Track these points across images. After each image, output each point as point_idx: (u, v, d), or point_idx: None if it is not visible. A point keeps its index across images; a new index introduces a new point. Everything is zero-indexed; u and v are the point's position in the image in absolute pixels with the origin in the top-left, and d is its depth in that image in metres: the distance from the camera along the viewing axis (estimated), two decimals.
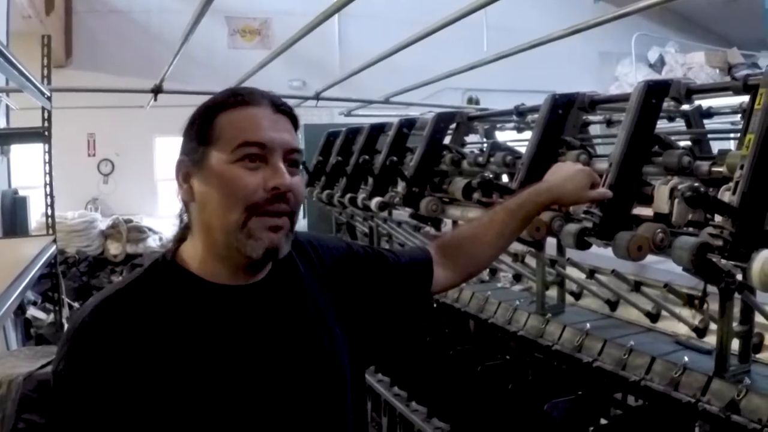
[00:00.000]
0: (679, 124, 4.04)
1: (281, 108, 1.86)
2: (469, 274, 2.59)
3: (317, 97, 10.20)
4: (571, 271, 3.80)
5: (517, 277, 4.48)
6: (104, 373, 1.63)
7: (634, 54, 16.07)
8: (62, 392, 1.66)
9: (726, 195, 2.42)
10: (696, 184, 2.50)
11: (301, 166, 1.91)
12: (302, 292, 1.98)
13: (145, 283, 1.80)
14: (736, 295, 2.66)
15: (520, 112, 4.25)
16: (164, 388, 1.66)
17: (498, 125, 5.48)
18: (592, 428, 2.99)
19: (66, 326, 1.73)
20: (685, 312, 3.23)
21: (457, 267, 2.46)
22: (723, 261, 2.36)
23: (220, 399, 1.71)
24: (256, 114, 1.80)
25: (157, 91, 9.01)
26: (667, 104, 3.33)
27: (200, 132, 1.80)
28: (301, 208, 1.92)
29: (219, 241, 1.78)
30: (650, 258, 3.03)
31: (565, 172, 2.56)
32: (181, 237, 1.91)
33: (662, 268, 3.46)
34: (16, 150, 9.35)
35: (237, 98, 1.83)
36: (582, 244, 2.92)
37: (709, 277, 2.51)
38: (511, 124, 5.03)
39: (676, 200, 2.61)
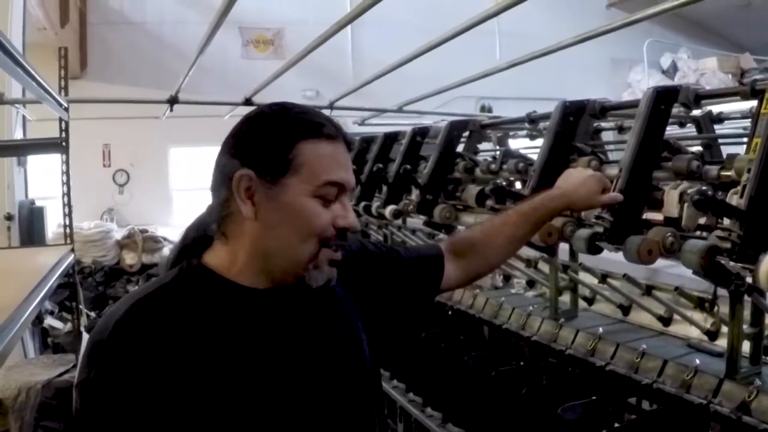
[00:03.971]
0: (690, 130, 4.07)
1: (348, 143, 1.89)
2: (477, 274, 2.62)
3: (331, 106, 10.23)
4: (584, 277, 3.82)
5: (531, 283, 4.50)
6: (138, 375, 1.62)
7: (647, 60, 16.04)
8: (94, 394, 1.65)
9: (734, 198, 2.45)
10: (704, 188, 2.53)
11: None
12: (329, 293, 1.99)
13: (177, 286, 1.80)
14: (747, 297, 2.69)
15: (532, 120, 4.28)
16: (199, 390, 1.66)
17: (511, 133, 5.51)
18: (605, 431, 3.01)
19: (91, 330, 1.70)
20: (697, 315, 3.25)
21: (467, 266, 2.49)
22: (731, 263, 2.39)
23: (256, 401, 1.73)
24: (338, 152, 1.82)
25: (172, 101, 9.06)
26: (678, 110, 3.36)
27: (278, 156, 1.78)
28: None
29: (276, 264, 1.81)
30: (662, 262, 3.06)
31: (576, 177, 2.60)
32: (201, 241, 1.90)
33: (674, 272, 3.49)
34: (32, 161, 9.41)
35: (321, 129, 1.82)
36: (593, 249, 2.95)
37: (718, 279, 2.54)
38: (524, 132, 5.07)
39: (686, 204, 2.64)
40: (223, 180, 1.81)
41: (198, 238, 1.92)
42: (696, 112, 3.76)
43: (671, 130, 3.76)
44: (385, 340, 4.91)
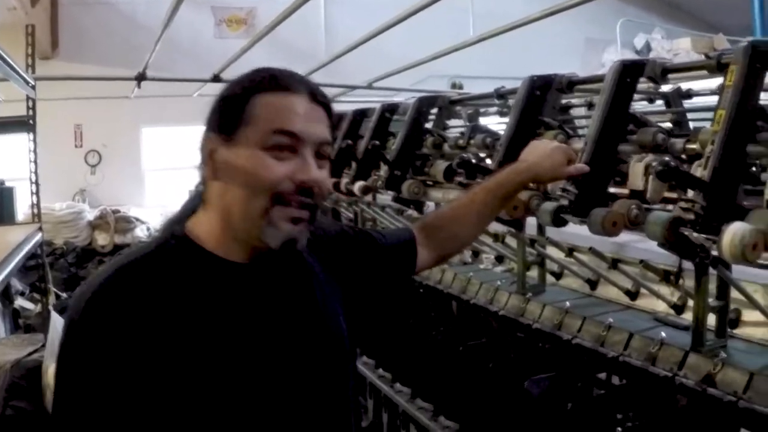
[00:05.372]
0: (659, 107, 4.08)
1: (318, 98, 1.84)
2: (448, 254, 2.67)
3: None
4: (552, 252, 3.82)
5: (500, 259, 4.49)
6: (117, 341, 1.61)
7: (620, 40, 16.05)
8: (69, 360, 1.66)
9: (698, 171, 2.45)
10: (667, 159, 2.53)
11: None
12: (307, 270, 1.99)
13: (158, 256, 1.78)
14: (713, 271, 2.70)
15: (500, 95, 4.27)
16: (175, 362, 1.65)
17: (482, 110, 5.50)
18: (570, 404, 3.02)
19: (61, 311, 1.68)
20: (664, 289, 3.26)
21: (438, 247, 2.50)
22: (695, 235, 2.39)
23: (233, 373, 1.72)
24: (294, 102, 1.78)
25: (140, 78, 9.02)
26: (647, 86, 3.36)
27: (232, 111, 1.77)
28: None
29: (238, 225, 1.77)
30: (630, 237, 3.08)
31: (542, 150, 2.61)
32: (192, 210, 1.89)
33: (642, 246, 3.49)
34: (3, 142, 9.39)
35: (276, 82, 1.80)
36: (558, 222, 2.94)
37: (682, 251, 2.54)
38: (495, 109, 5.06)
39: (651, 177, 2.64)
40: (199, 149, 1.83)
41: (188, 206, 1.92)
42: (665, 89, 3.77)
43: (642, 109, 3.77)
44: (361, 322, 4.92)
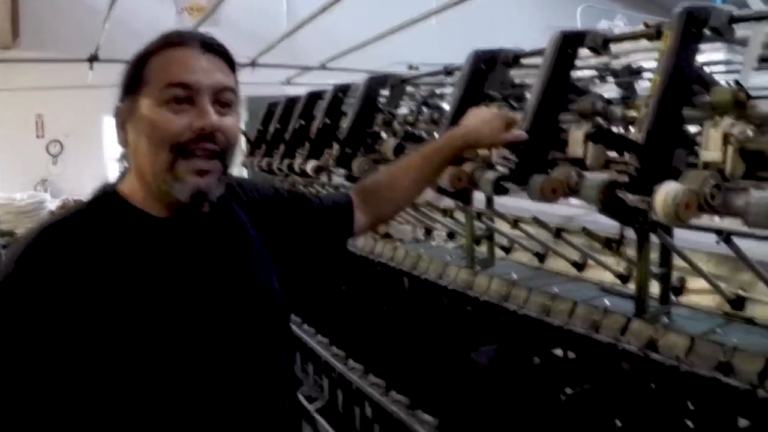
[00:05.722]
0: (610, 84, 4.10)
1: (212, 47, 1.85)
2: (386, 216, 2.75)
3: (253, 64, 10.24)
4: (502, 226, 3.84)
5: (451, 235, 4.53)
6: (47, 298, 1.63)
7: (582, 27, 16.05)
8: (3, 327, 1.64)
9: (635, 135, 2.47)
10: (600, 121, 2.55)
11: (234, 106, 1.90)
12: (238, 228, 2.01)
13: (89, 213, 1.81)
14: (658, 241, 2.73)
15: (449, 71, 4.28)
16: (106, 315, 1.66)
17: (438, 91, 5.51)
18: (516, 373, 3.04)
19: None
20: (610, 260, 3.28)
21: (375, 210, 2.53)
22: (630, 197, 2.40)
23: (162, 326, 1.73)
24: (183, 55, 1.80)
25: (92, 59, 8.99)
26: (597, 62, 3.38)
27: (132, 79, 1.80)
28: (236, 149, 1.93)
29: (150, 182, 1.79)
30: (577, 210, 3.08)
31: (481, 116, 2.62)
32: (124, 175, 1.91)
33: (589, 219, 3.51)
34: None
35: (167, 40, 1.82)
36: (499, 190, 2.96)
37: (620, 216, 2.55)
38: (450, 90, 5.06)
39: (590, 143, 2.65)
40: None
41: (122, 172, 1.95)
42: (615, 66, 3.79)
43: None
44: (300, 285, 4.93)
